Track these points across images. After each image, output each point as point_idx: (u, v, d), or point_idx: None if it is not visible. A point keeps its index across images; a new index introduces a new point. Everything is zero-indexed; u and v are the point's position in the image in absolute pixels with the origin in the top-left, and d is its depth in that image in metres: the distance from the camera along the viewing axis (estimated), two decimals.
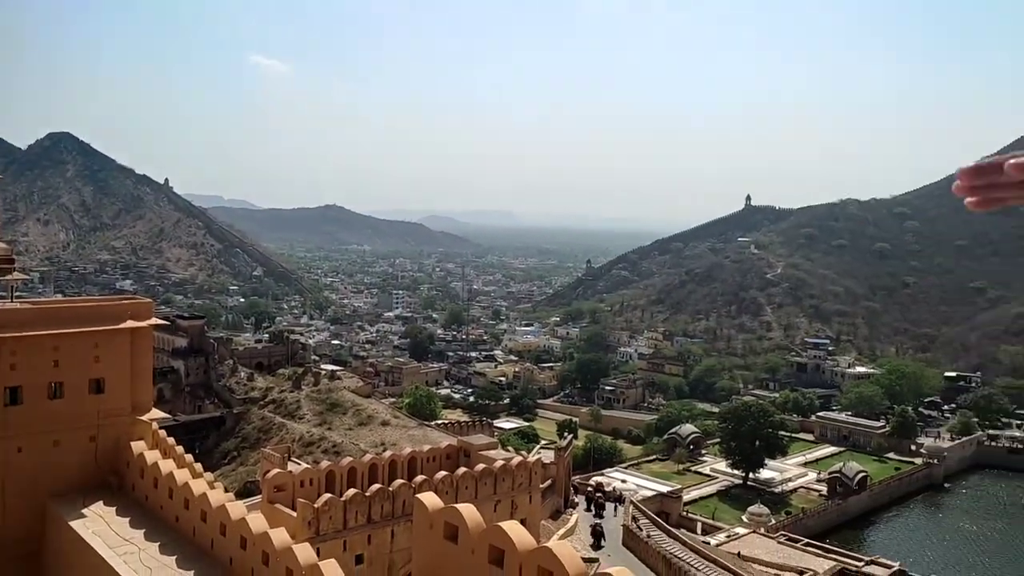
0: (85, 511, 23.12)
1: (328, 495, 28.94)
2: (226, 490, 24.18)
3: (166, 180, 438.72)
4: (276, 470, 33.15)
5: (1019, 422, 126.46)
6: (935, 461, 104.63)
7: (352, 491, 29.68)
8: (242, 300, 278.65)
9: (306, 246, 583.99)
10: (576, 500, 63.56)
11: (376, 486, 30.49)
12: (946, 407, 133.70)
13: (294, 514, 28.76)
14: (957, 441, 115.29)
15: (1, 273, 39.84)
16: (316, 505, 28.05)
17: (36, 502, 23.99)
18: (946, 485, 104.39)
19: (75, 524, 22.23)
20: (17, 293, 39.20)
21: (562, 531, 49.67)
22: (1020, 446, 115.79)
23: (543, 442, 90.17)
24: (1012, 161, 2.32)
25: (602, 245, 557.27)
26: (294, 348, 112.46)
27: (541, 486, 39.48)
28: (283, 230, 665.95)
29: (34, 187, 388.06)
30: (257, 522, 18.68)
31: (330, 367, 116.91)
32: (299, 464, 40.03)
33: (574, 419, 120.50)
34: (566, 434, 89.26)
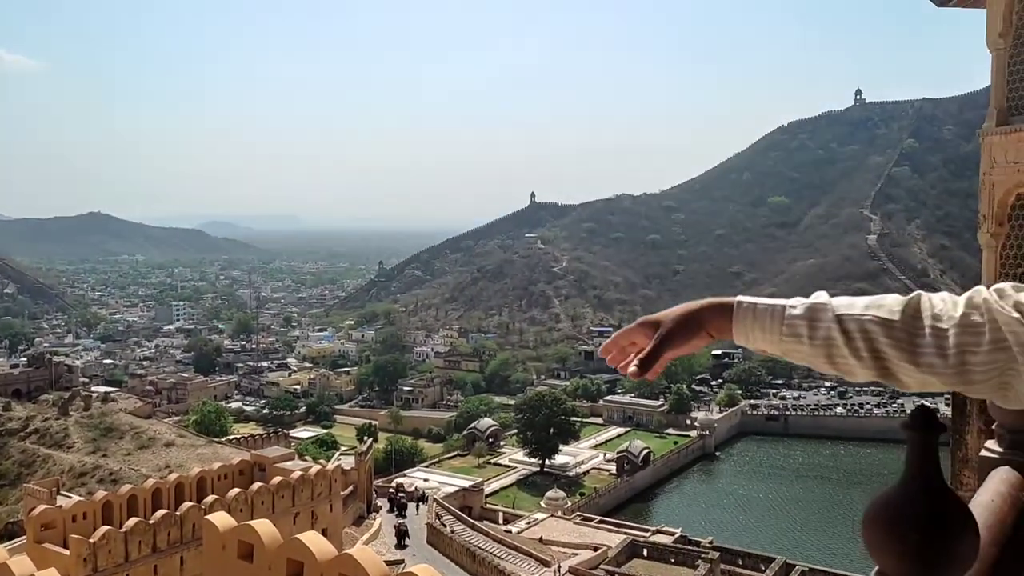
0: None
1: (106, 527, 26.71)
2: None
3: None
4: (43, 506, 30.05)
5: (774, 391, 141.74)
6: (707, 433, 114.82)
7: (134, 520, 27.60)
8: None
9: (68, 258, 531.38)
10: (379, 504, 63.12)
11: (161, 512, 28.57)
12: (714, 382, 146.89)
13: (66, 552, 26.28)
14: (724, 413, 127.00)
15: None
16: (92, 540, 25.80)
17: None
18: (717, 454, 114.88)
19: None
20: None
21: (366, 536, 49.12)
22: (775, 412, 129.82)
23: (343, 448, 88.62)
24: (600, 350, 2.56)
25: (393, 246, 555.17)
26: (58, 371, 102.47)
27: (342, 493, 38.84)
28: (39, 241, 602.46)
29: None
30: (21, 566, 16.93)
31: (103, 389, 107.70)
32: (70, 497, 36.59)
33: (374, 422, 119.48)
34: (366, 438, 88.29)
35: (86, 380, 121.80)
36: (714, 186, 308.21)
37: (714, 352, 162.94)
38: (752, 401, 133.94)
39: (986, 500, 2.32)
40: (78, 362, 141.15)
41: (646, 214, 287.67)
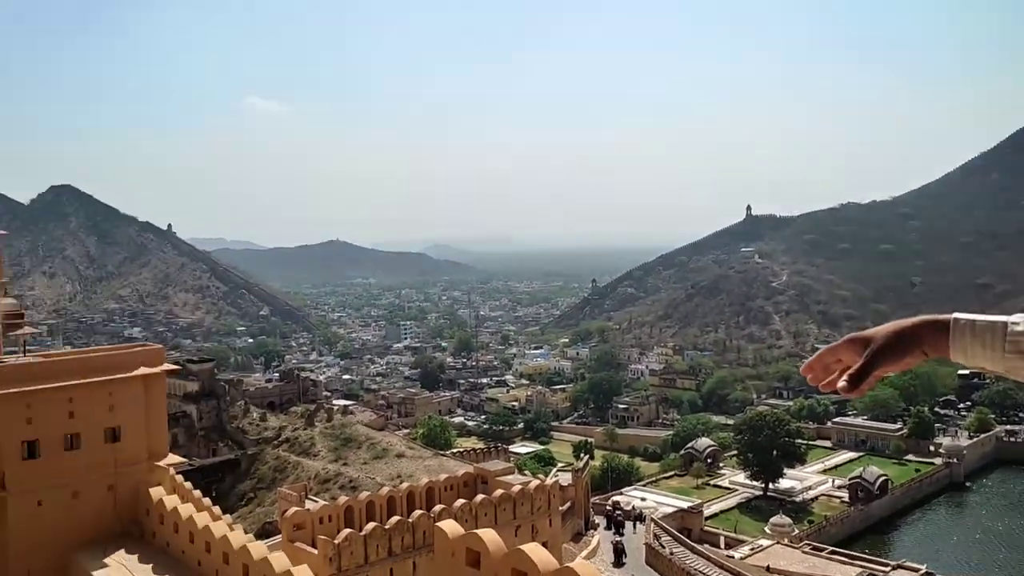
0: (107, 560, 23.17)
1: (348, 530, 28.92)
2: (245, 531, 24.21)
3: (169, 225, 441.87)
4: (294, 509, 33.12)
5: None
6: (955, 460, 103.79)
7: (371, 525, 29.65)
8: (250, 340, 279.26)
9: (311, 282, 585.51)
10: (596, 521, 63.18)
11: (395, 518, 30.46)
12: (962, 405, 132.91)
13: (315, 551, 28.72)
14: (975, 439, 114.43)
15: (11, 328, 40.18)
16: (336, 541, 28.03)
17: (58, 555, 24.04)
18: (968, 484, 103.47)
19: (97, 575, 22.28)
20: (28, 347, 39.52)
21: (584, 552, 49.38)
22: None
23: (560, 464, 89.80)
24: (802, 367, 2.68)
25: (606, 264, 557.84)
26: (305, 385, 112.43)
27: (560, 509, 39.34)
28: (287, 268, 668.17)
29: (38, 241, 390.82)
30: (279, 561, 18.74)
31: (342, 402, 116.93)
32: (316, 501, 39.97)
33: (589, 440, 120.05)
34: (582, 455, 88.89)
35: (328, 394, 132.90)
36: (957, 190, 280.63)
37: (960, 372, 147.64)
38: (1009, 427, 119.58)
39: None
40: (321, 377, 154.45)
41: (877, 222, 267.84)
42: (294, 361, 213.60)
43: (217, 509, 27.14)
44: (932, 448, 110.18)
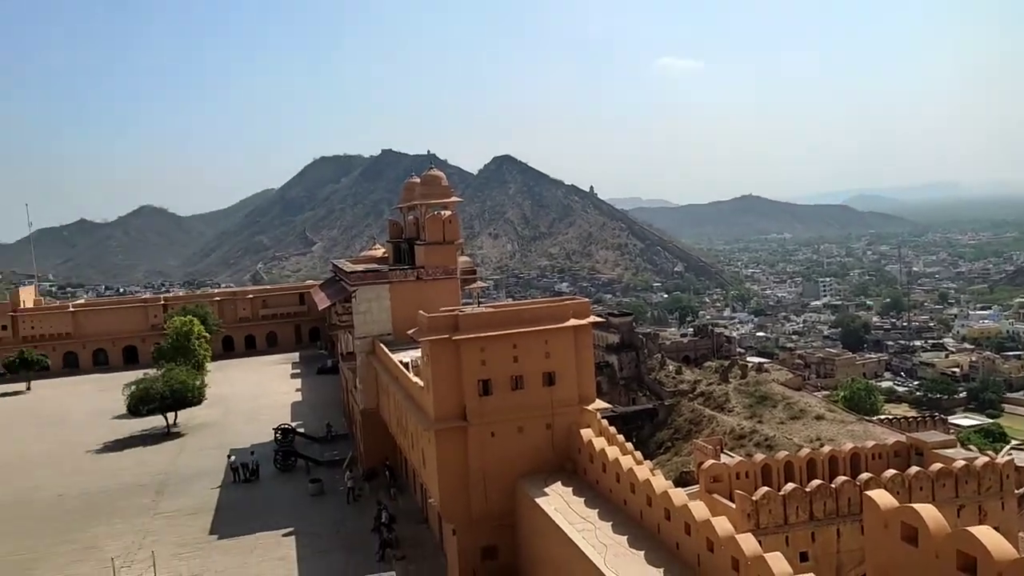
0: (547, 490, 25.97)
1: (766, 488, 28.49)
2: (665, 478, 25.23)
3: (591, 188, 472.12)
4: (711, 461, 33.57)
5: None
6: None
7: (791, 486, 28.81)
8: (665, 296, 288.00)
9: (724, 238, 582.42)
10: None
11: (816, 482, 29.19)
12: None
13: (732, 505, 28.84)
14: None
15: (468, 283, 46.62)
16: (754, 498, 27.80)
17: (508, 481, 27.60)
18: None
19: (540, 501, 25.08)
20: (480, 299, 45.51)
21: None
22: None
23: (1014, 442, 77.83)
24: None
25: None
26: (719, 341, 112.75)
27: (1016, 492, 34.13)
28: (700, 225, 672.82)
29: (485, 206, 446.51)
30: (700, 510, 19.19)
31: (756, 359, 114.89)
32: (732, 456, 40.02)
33: None
34: None
35: (742, 351, 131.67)
36: None
37: None
38: None
39: None
40: (735, 334, 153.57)
41: None
42: (707, 317, 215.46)
43: (639, 454, 28.70)
44: None
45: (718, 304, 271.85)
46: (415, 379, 32.01)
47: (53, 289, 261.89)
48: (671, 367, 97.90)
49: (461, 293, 46.07)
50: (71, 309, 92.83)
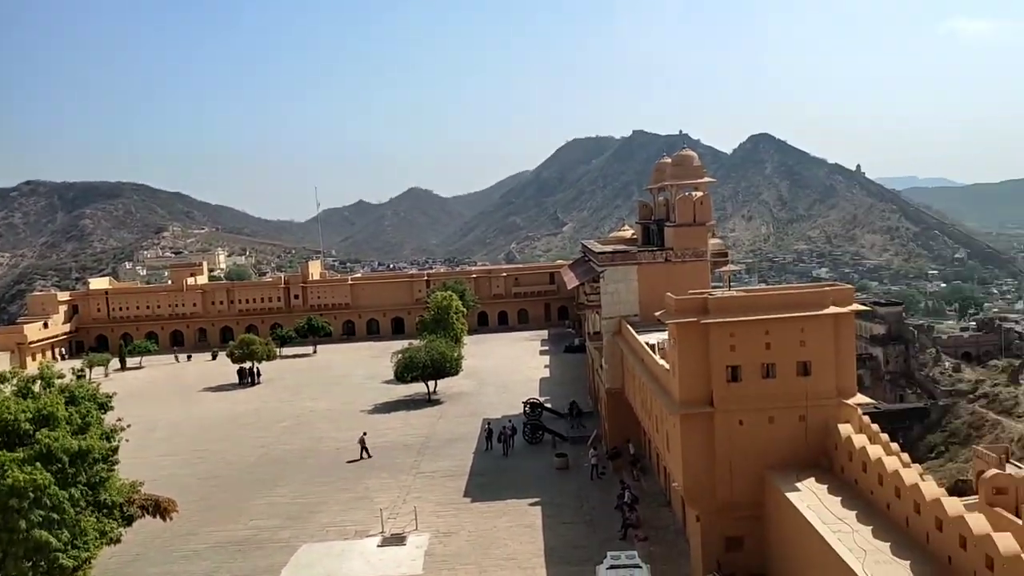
0: (799, 485, 24.63)
1: None
2: (936, 484, 22.92)
3: (858, 166, 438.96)
4: (994, 470, 29.94)
5: None
6: None
7: None
8: (943, 285, 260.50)
9: (1019, 222, 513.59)
10: None
11: None
12: None
13: (1019, 521, 25.56)
14: None
15: (718, 265, 45.26)
16: None
17: (756, 471, 26.55)
18: None
19: (790, 496, 23.86)
20: (730, 283, 44.03)
21: None
22: None
23: None
24: None
25: None
26: (1008, 337, 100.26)
27: None
28: (989, 206, 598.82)
29: (739, 187, 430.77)
30: (978, 523, 17.24)
31: None
32: (1020, 467, 35.42)
33: None
34: None
35: None
36: None
37: None
38: None
39: None
40: None
41: None
42: (994, 309, 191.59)
43: (906, 456, 26.30)
44: None
45: (1008, 296, 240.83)
46: (661, 362, 31.73)
47: (335, 264, 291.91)
48: (947, 364, 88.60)
49: (711, 276, 44.89)
50: (350, 282, 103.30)
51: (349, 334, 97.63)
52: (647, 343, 36.24)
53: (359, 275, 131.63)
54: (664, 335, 33.04)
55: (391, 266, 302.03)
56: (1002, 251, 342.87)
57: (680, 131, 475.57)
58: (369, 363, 76.64)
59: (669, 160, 48.52)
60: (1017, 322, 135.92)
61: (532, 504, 36.56)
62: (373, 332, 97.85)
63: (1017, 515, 27.32)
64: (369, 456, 45.85)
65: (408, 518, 35.06)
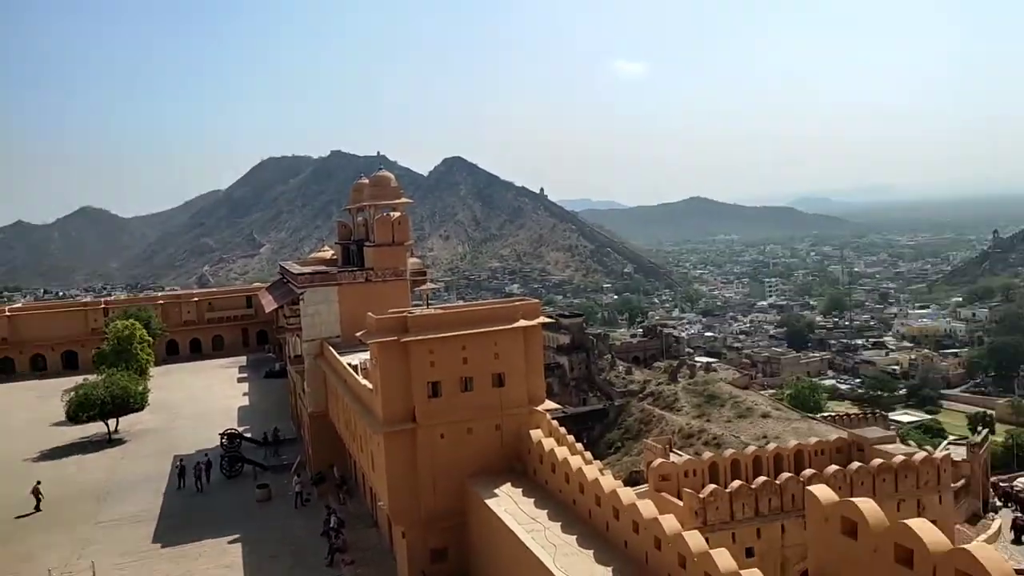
0: (496, 491, 25.94)
1: (713, 486, 28.92)
2: (614, 478, 25.43)
3: (541, 189, 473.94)
4: (660, 460, 33.98)
5: None
6: None
7: (737, 483, 29.31)
8: (615, 297, 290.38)
9: (672, 240, 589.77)
10: (997, 503, 55.62)
11: (762, 478, 29.75)
12: None
13: (680, 503, 29.24)
14: None
15: (418, 284, 46.38)
16: (701, 495, 28.20)
17: (458, 481, 27.51)
18: None
19: (490, 502, 25.04)
20: (429, 300, 45.31)
21: (983, 536, 43.81)
22: None
23: (952, 437, 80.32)
24: None
25: (1011, 212, 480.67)
26: (668, 341, 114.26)
27: (952, 486, 35.25)
28: (649, 226, 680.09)
29: (436, 207, 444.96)
30: (648, 508, 19.36)
31: (704, 359, 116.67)
32: (681, 455, 40.57)
33: (989, 412, 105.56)
34: (980, 428, 78.51)
35: (691, 351, 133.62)
36: None
37: None
38: None
39: None
40: (684, 334, 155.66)
41: None
42: (657, 318, 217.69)
43: (588, 454, 28.87)
44: None
45: (667, 305, 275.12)
46: (364, 382, 31.71)
47: None
48: (621, 367, 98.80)
49: (411, 295, 45.79)
50: (7, 314, 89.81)
51: (7, 372, 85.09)
52: (350, 364, 36.00)
53: (19, 305, 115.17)
54: (367, 355, 33.08)
55: (60, 294, 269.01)
56: (660, 265, 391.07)
57: (378, 152, 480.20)
58: (34, 405, 67.25)
59: (367, 181, 48.76)
60: (674, 328, 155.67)
61: (232, 541, 34.45)
62: (40, 369, 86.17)
63: (679, 497, 31.24)
64: (39, 509, 40.20)
65: (85, 575, 31.24)
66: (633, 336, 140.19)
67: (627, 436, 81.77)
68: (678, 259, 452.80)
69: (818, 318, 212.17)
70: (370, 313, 28.84)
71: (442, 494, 27.55)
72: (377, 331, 27.46)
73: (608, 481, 22.03)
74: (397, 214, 45.25)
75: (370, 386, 29.86)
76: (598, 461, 29.22)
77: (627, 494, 20.69)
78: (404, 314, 28.33)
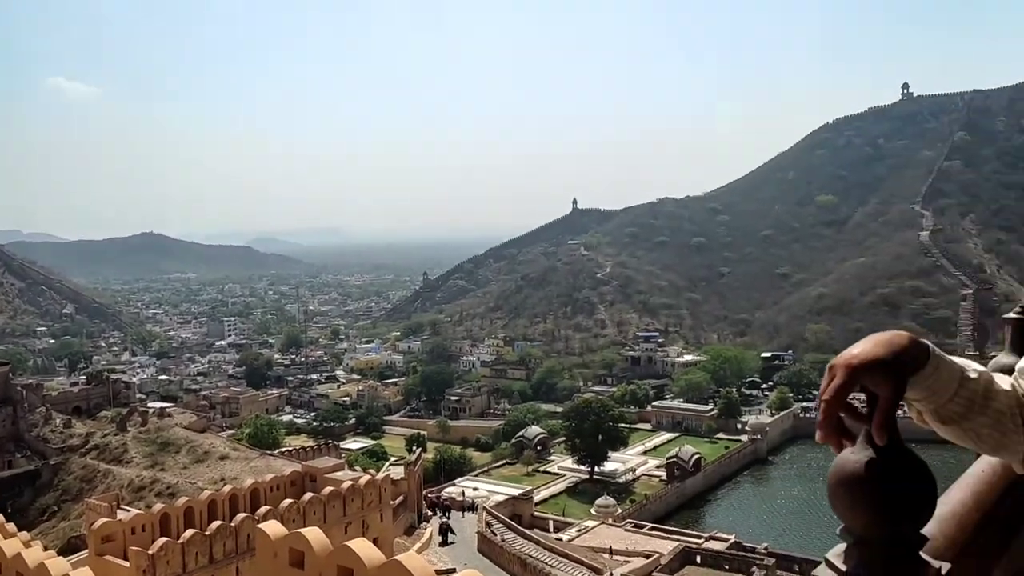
0: None
1: (163, 539, 27.33)
2: (46, 548, 22.29)
3: None
4: (103, 520, 30.88)
5: None
6: (759, 437, 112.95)
7: (190, 532, 28.20)
8: (52, 341, 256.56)
9: (123, 278, 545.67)
10: (429, 513, 63.50)
11: (217, 523, 29.14)
12: (764, 385, 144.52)
13: (126, 564, 26.96)
14: (776, 416, 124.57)
15: None
16: (150, 552, 26.42)
17: None
18: (770, 459, 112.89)
19: None
20: None
21: (417, 545, 49.46)
22: None
23: (392, 459, 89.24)
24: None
25: (437, 256, 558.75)
26: (116, 388, 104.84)
27: (392, 503, 39.16)
28: (95, 263, 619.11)
29: None
30: None
31: (159, 404, 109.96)
32: (129, 511, 37.48)
33: (422, 432, 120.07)
34: (415, 448, 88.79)
35: (143, 396, 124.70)
36: (759, 187, 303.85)
37: (764, 355, 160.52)
38: (804, 404, 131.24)
39: (977, 470, 2.40)
40: (135, 379, 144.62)
41: (690, 217, 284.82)
42: (103, 362, 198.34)
43: (12, 526, 24.83)
44: (739, 426, 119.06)
45: (115, 348, 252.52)
46: None
47: None
48: (58, 420, 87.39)
49: None
50: None
51: None
52: None
53: None
54: None
55: None
56: (107, 305, 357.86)
57: None
58: None
59: None
60: (124, 373, 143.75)
61: None
62: None
63: (125, 557, 28.71)
64: None
65: None
66: (74, 384, 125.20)
67: (65, 498, 72.48)
68: (128, 298, 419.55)
69: (276, 355, 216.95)
70: None
71: None
72: None
73: (34, 554, 19.22)
74: None
75: None
76: (24, 532, 25.29)
77: (58, 565, 18.31)
78: None
